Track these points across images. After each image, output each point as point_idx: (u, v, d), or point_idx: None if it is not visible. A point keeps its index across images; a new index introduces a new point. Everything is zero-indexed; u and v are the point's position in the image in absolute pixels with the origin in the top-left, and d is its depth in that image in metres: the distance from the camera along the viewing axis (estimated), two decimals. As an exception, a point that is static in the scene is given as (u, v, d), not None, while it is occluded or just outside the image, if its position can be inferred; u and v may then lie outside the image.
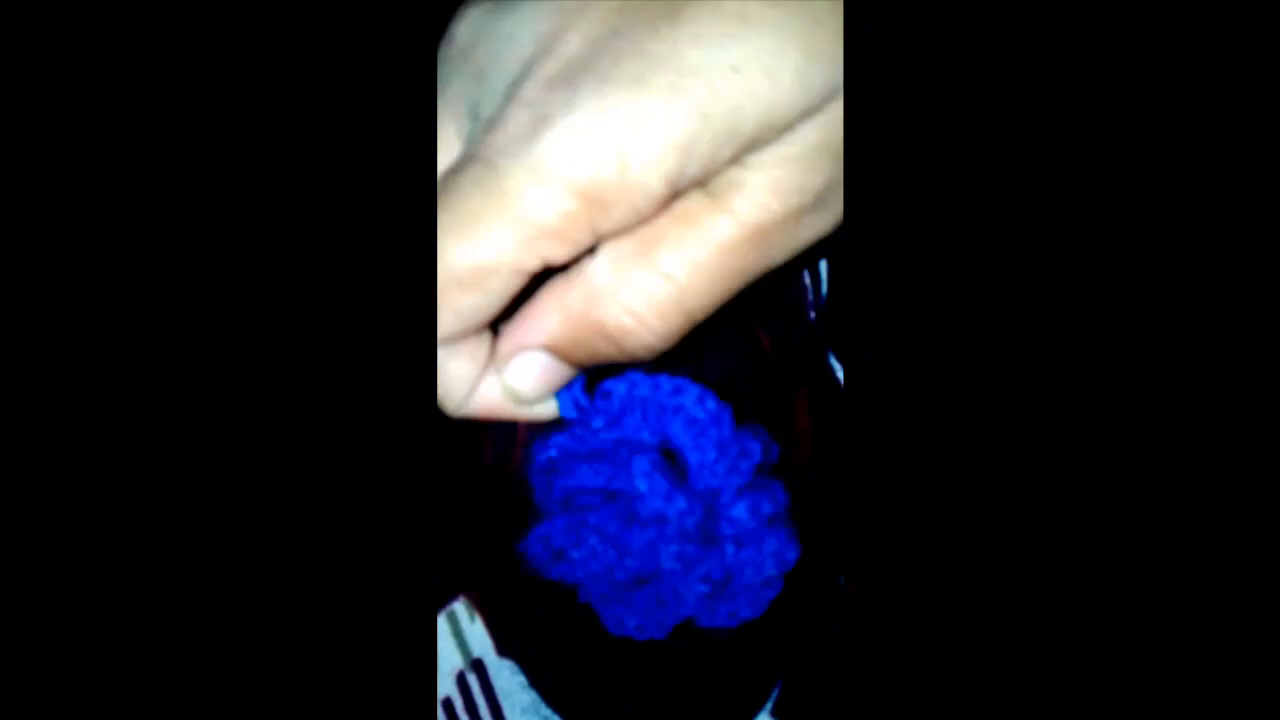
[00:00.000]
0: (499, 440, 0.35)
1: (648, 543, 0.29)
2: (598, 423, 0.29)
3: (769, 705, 0.34)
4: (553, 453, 0.30)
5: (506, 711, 0.34)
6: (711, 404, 0.29)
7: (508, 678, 0.35)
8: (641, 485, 0.28)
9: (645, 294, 0.21)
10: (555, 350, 0.23)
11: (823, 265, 0.36)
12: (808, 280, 0.36)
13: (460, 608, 0.35)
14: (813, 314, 0.36)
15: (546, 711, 0.34)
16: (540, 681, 0.34)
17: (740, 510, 0.29)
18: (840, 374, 0.36)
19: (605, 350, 0.22)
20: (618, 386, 0.29)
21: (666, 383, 0.29)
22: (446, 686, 0.35)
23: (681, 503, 0.28)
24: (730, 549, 0.29)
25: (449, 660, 0.35)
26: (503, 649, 0.35)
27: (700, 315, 0.22)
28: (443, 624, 0.35)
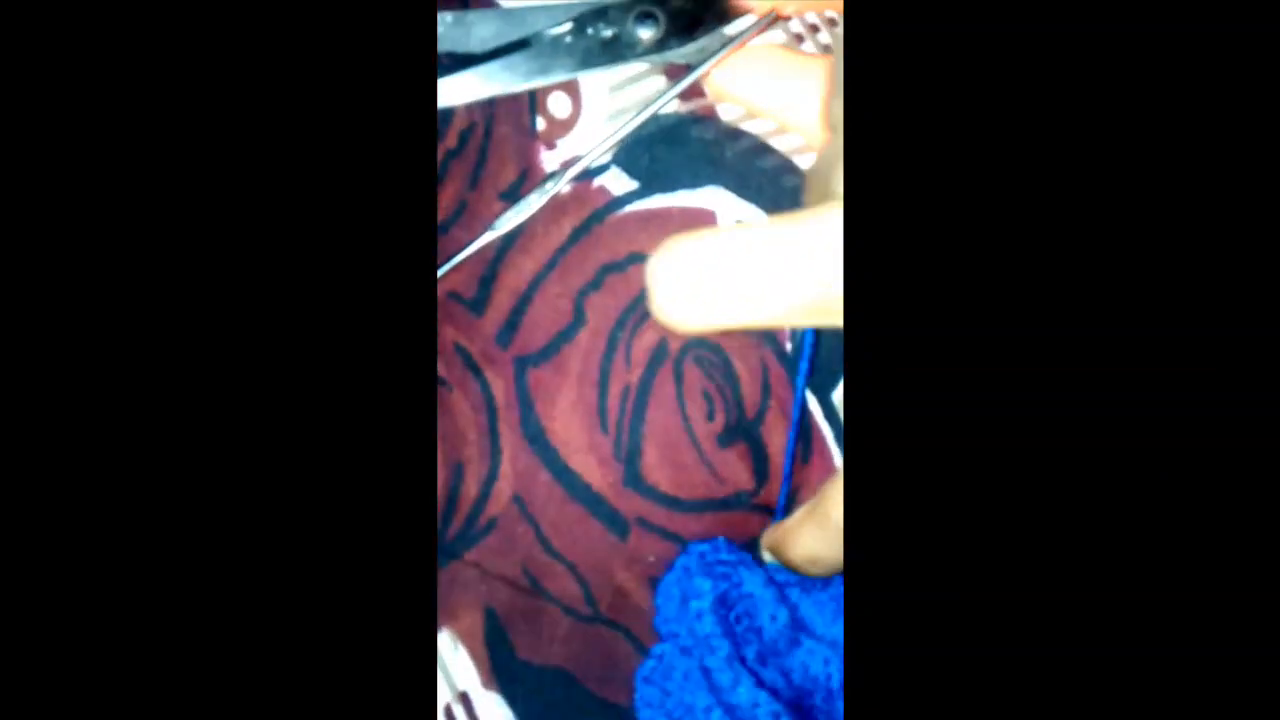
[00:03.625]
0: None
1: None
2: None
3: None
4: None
5: (495, 744, 0.34)
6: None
7: (494, 710, 0.34)
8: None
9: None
10: None
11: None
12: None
13: (445, 638, 0.34)
14: (788, 345, 0.35)
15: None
16: (528, 714, 0.34)
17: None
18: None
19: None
20: None
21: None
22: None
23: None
24: None
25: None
26: (489, 681, 0.34)
27: None
28: (428, 656, 0.34)
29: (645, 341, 0.34)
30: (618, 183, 0.35)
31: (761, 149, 0.35)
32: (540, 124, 0.35)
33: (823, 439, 0.34)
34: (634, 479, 0.34)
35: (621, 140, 0.34)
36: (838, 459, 0.34)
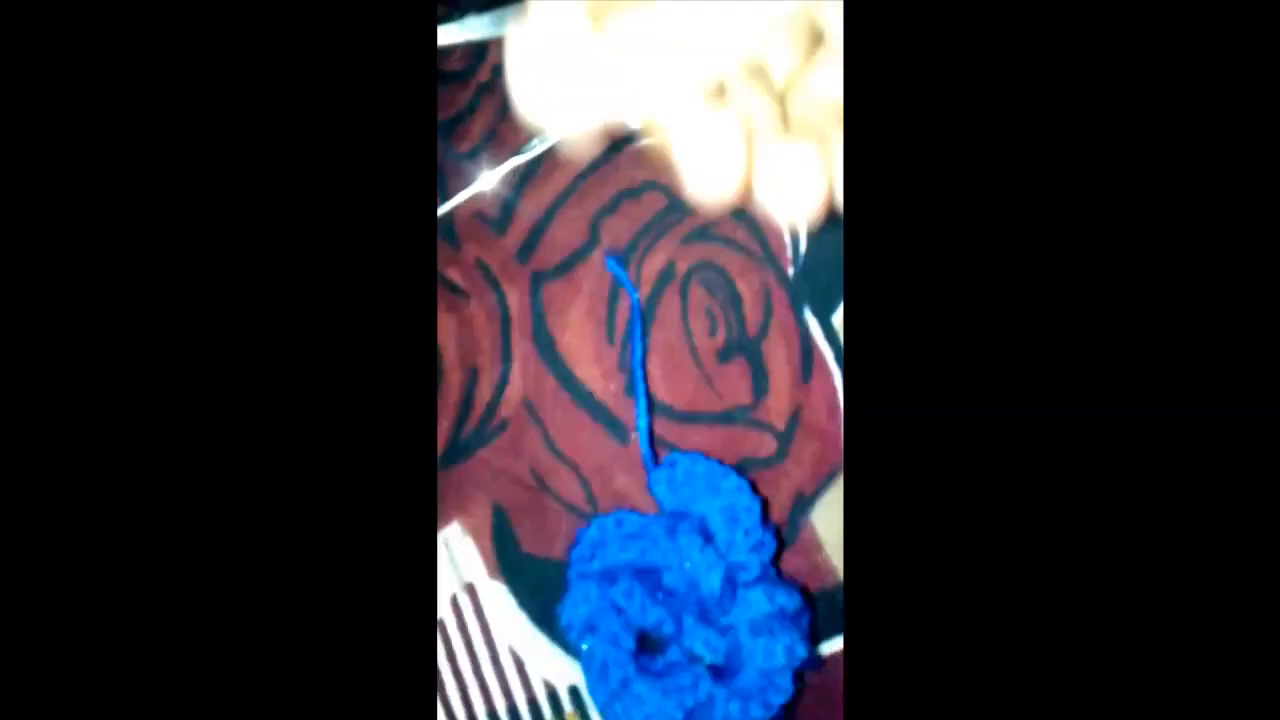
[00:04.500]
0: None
1: (669, 612, 0.33)
2: (660, 488, 0.35)
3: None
4: (595, 532, 0.35)
5: (497, 633, 0.36)
6: (748, 495, 0.34)
7: (500, 600, 0.36)
8: (692, 555, 0.33)
9: None
10: None
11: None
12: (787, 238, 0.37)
13: (454, 531, 0.37)
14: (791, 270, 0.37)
15: (536, 632, 0.36)
16: (531, 604, 0.36)
17: (758, 594, 0.33)
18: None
19: None
20: (682, 459, 0.35)
21: (718, 467, 0.34)
22: (439, 609, 0.37)
23: (718, 574, 0.33)
24: (744, 633, 0.33)
25: (442, 583, 0.37)
26: (495, 572, 0.37)
27: None
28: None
29: (655, 263, 0.37)
30: (636, 116, 0.37)
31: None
32: (566, 60, 0.38)
33: (823, 358, 0.37)
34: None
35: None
36: (837, 378, 0.36)
